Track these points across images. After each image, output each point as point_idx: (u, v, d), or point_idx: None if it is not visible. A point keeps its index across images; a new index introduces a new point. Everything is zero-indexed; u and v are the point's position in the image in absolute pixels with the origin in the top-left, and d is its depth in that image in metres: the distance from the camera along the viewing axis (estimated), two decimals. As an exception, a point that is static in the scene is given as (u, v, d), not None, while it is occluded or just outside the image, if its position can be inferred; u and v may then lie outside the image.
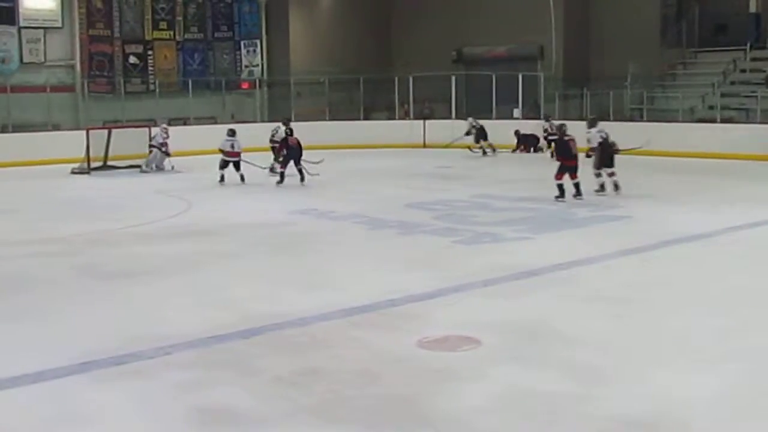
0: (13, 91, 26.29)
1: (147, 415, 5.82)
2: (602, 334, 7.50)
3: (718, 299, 8.73)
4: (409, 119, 29.43)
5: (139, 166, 22.64)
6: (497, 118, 27.73)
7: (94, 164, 22.04)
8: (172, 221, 14.25)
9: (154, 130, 23.34)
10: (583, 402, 5.88)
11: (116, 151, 22.28)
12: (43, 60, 27.88)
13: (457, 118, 28.36)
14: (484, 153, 25.47)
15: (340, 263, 10.76)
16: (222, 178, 19.08)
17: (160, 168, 22.65)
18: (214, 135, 26.86)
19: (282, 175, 18.73)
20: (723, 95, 25.99)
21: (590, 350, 7.03)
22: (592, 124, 17.42)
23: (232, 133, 19.96)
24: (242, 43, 32.22)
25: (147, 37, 30.26)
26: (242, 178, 19.12)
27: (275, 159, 20.33)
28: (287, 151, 18.97)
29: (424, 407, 5.86)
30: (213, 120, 29.87)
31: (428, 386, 6.23)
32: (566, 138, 15.79)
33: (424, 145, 28.13)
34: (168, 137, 22.91)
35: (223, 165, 19.39)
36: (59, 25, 28.16)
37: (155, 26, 30.42)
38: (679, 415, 5.68)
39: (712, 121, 24.85)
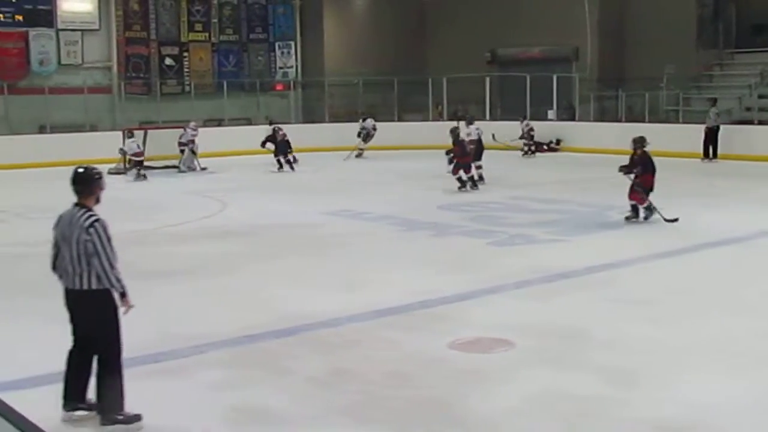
0: (52, 93, 26.68)
1: (182, 414, 5.88)
2: (636, 338, 7.45)
3: (755, 303, 8.64)
4: (443, 120, 29.39)
5: (176, 167, 22.81)
6: (531, 120, 27.60)
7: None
8: (207, 222, 14.36)
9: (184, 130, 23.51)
10: (616, 406, 5.86)
11: (152, 151, 22.47)
12: (80, 62, 28.22)
13: (491, 119, 28.29)
14: (525, 153, 25.51)
15: (373, 264, 10.79)
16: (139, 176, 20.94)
17: (191, 168, 22.81)
18: (249, 136, 27.17)
19: (279, 162, 22.28)
20: (760, 96, 25.69)
21: (624, 353, 7.00)
22: (470, 122, 19.84)
23: (130, 134, 21.86)
24: (277, 44, 32.36)
25: (182, 39, 30.50)
26: (143, 177, 21.01)
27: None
28: (276, 144, 22.70)
29: (456, 409, 5.88)
30: (247, 121, 30.03)
31: (460, 388, 6.24)
32: (461, 139, 17.73)
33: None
34: (196, 135, 23.09)
35: (133, 166, 21.17)
36: (96, 27, 28.49)
37: (191, 28, 30.64)
38: (713, 420, 5.63)
39: (749, 122, 24.59)
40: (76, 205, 5.61)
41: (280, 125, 23.52)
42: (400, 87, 30.49)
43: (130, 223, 14.29)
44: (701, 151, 22.77)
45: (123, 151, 21.49)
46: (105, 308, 5.54)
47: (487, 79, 29.47)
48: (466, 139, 18.41)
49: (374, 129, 26.01)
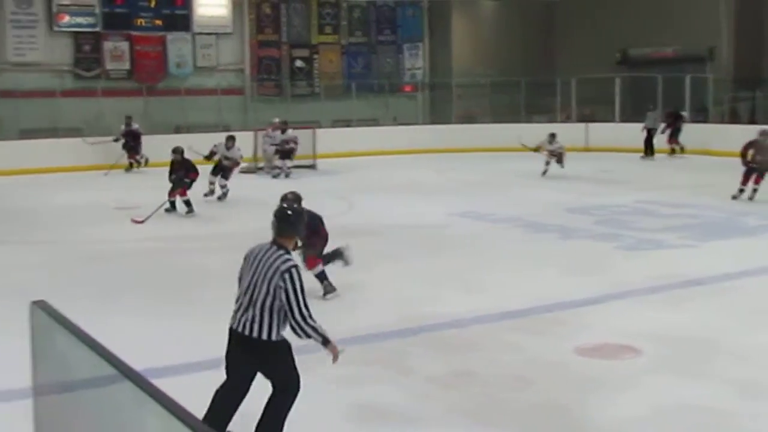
0: (187, 94, 27.75)
1: (306, 408, 6.00)
2: (769, 349, 7.20)
3: None
4: (571, 122, 28.98)
5: (308, 166, 23.17)
6: (663, 121, 26.92)
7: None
8: (333, 221, 14.53)
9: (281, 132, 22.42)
10: (745, 419, 5.69)
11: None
12: (215, 64, 29.14)
13: (621, 120, 27.73)
14: (672, 152, 24.93)
15: (497, 266, 10.75)
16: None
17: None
18: (376, 136, 27.50)
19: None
20: None
21: (756, 365, 6.77)
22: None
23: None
24: (405, 46, 32.57)
25: (313, 42, 31.05)
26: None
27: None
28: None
29: (578, 415, 5.81)
30: (375, 122, 30.35)
31: (583, 394, 6.17)
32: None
33: (586, 148, 27.65)
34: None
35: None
36: (230, 31, 29.36)
37: (321, 31, 31.17)
38: None
39: None
40: (275, 243, 5.18)
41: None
42: (528, 88, 30.22)
43: (261, 220, 14.65)
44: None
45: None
46: (285, 357, 5.19)
47: (617, 80, 28.90)
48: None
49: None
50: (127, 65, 27.68)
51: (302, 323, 4.98)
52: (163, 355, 6.82)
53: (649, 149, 24.91)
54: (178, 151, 15.78)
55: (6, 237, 13.44)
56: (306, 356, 7.00)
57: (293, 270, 4.97)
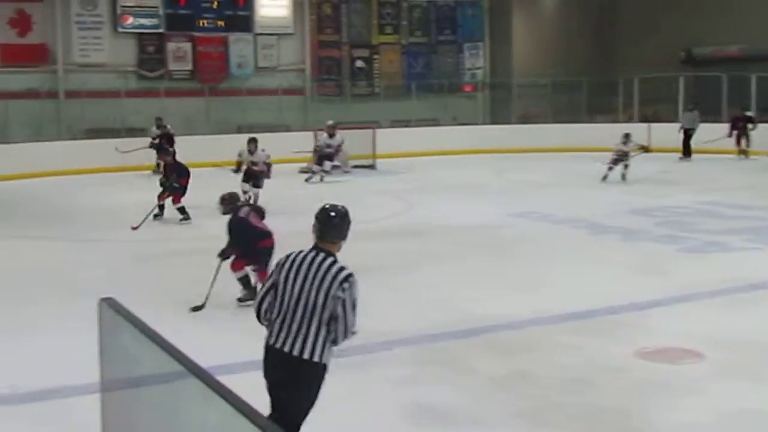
0: (248, 94, 28.03)
1: (365, 408, 6.05)
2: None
3: None
4: (634, 122, 28.62)
5: (367, 166, 23.23)
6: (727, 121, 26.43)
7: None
8: (393, 220, 14.62)
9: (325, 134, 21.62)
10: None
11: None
12: (275, 65, 29.36)
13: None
14: (743, 154, 24.50)
15: (557, 267, 10.65)
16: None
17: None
18: (435, 137, 27.49)
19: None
20: None
21: (823, 370, 6.64)
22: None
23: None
24: (465, 45, 32.49)
25: (373, 42, 31.13)
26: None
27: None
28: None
29: (639, 420, 5.75)
30: (434, 122, 30.33)
31: (643, 399, 6.10)
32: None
33: (648, 149, 27.27)
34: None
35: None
36: (291, 31, 29.56)
37: (381, 31, 31.23)
38: None
39: None
40: (318, 249, 4.71)
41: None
42: (589, 88, 29.93)
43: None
44: None
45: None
46: (318, 385, 4.59)
47: (681, 79, 28.46)
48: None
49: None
50: (189, 66, 28.04)
51: (348, 335, 4.60)
52: (222, 354, 6.90)
53: (686, 150, 24.62)
54: (169, 153, 15.37)
55: (72, 235, 13.75)
56: (362, 357, 7.07)
57: (352, 279, 4.56)
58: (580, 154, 25.16)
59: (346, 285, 4.51)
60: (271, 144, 17.72)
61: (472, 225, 13.90)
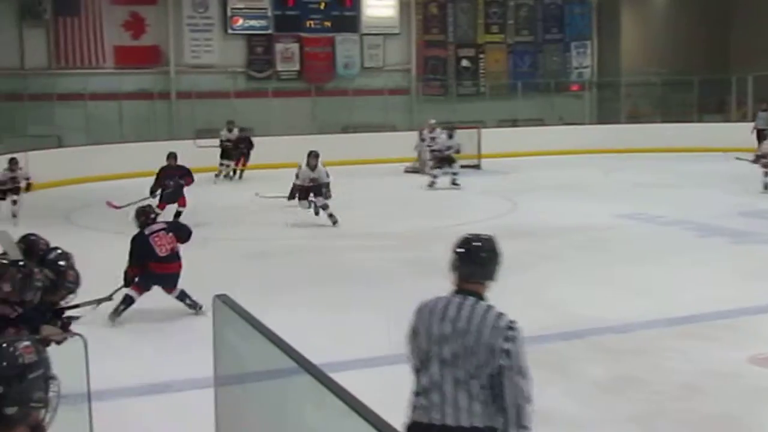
0: (355, 94, 28.29)
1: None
2: None
3: None
4: (747, 121, 27.75)
5: (472, 166, 23.15)
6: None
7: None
8: (498, 221, 14.52)
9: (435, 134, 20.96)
10: None
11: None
12: (381, 65, 29.56)
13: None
14: None
15: (665, 270, 10.43)
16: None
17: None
18: (542, 136, 27.22)
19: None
20: None
21: None
22: None
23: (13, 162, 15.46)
24: (572, 44, 32.07)
25: (479, 41, 31.02)
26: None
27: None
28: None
29: (751, 428, 5.62)
30: (541, 122, 30.04)
31: (756, 406, 5.96)
32: None
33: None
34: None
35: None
36: (397, 31, 29.70)
37: (487, 30, 31.08)
38: None
39: None
40: (464, 293, 3.84)
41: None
42: (701, 86, 29.17)
43: (422, 219, 14.83)
44: None
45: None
46: None
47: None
48: None
49: None
50: (296, 66, 28.47)
51: (528, 405, 3.80)
52: (332, 351, 7.00)
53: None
54: (171, 156, 14.90)
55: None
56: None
57: (515, 325, 3.74)
58: (689, 155, 24.56)
59: (510, 333, 3.71)
60: (377, 144, 17.83)
61: (578, 226, 13.73)
